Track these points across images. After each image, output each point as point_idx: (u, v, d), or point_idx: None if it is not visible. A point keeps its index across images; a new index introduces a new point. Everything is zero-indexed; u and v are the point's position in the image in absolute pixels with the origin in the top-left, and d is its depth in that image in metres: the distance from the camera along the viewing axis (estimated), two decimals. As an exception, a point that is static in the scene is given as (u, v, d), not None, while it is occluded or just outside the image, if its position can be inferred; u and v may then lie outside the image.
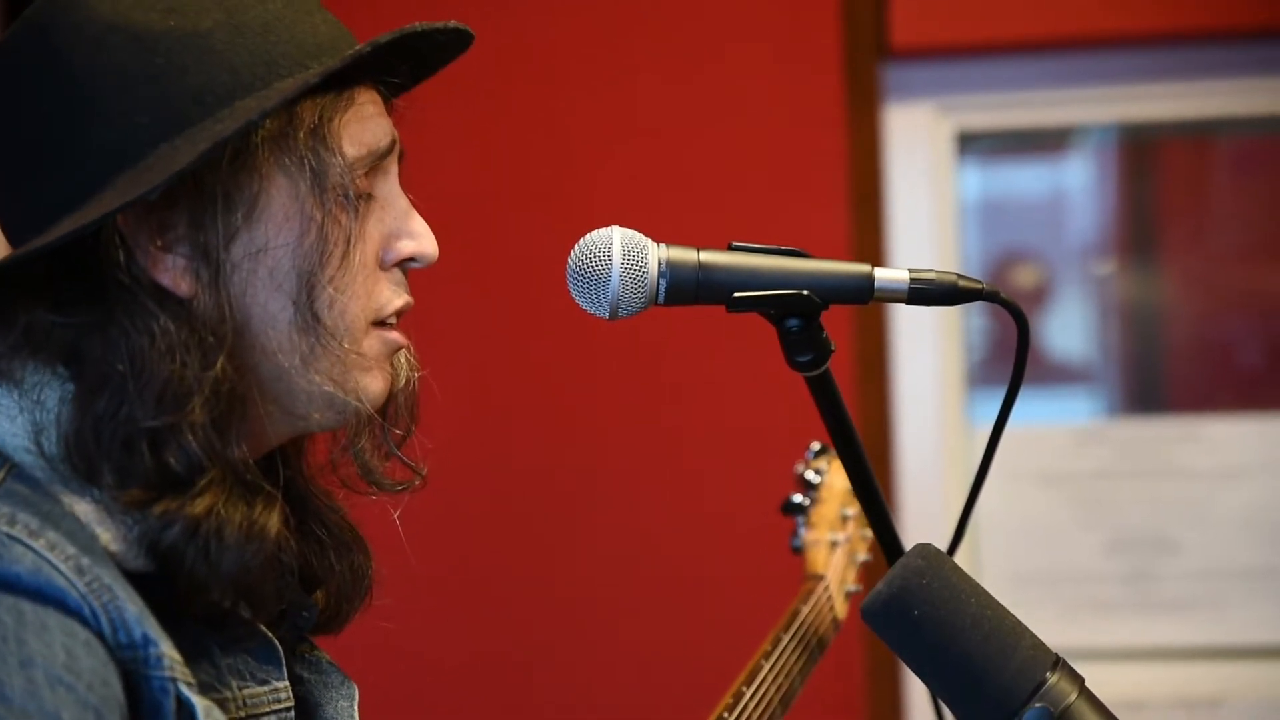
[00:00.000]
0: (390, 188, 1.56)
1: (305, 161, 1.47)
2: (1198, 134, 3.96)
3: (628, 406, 3.62)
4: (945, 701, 1.40)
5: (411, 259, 1.55)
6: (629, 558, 3.58)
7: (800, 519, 2.16)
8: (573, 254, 1.49)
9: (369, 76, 1.55)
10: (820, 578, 2.10)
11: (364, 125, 1.52)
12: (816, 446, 2.23)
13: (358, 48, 1.49)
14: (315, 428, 1.53)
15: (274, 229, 1.46)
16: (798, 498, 2.18)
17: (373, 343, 1.52)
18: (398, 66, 1.57)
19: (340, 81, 1.50)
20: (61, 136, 1.45)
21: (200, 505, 1.40)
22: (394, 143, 1.56)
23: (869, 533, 2.22)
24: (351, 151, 1.50)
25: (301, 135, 1.47)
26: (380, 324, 1.53)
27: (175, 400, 1.41)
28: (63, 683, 1.25)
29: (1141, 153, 4.05)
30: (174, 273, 1.45)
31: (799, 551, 2.15)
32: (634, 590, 3.57)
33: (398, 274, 1.55)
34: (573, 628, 3.60)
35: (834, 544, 2.14)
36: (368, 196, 1.52)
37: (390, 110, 1.59)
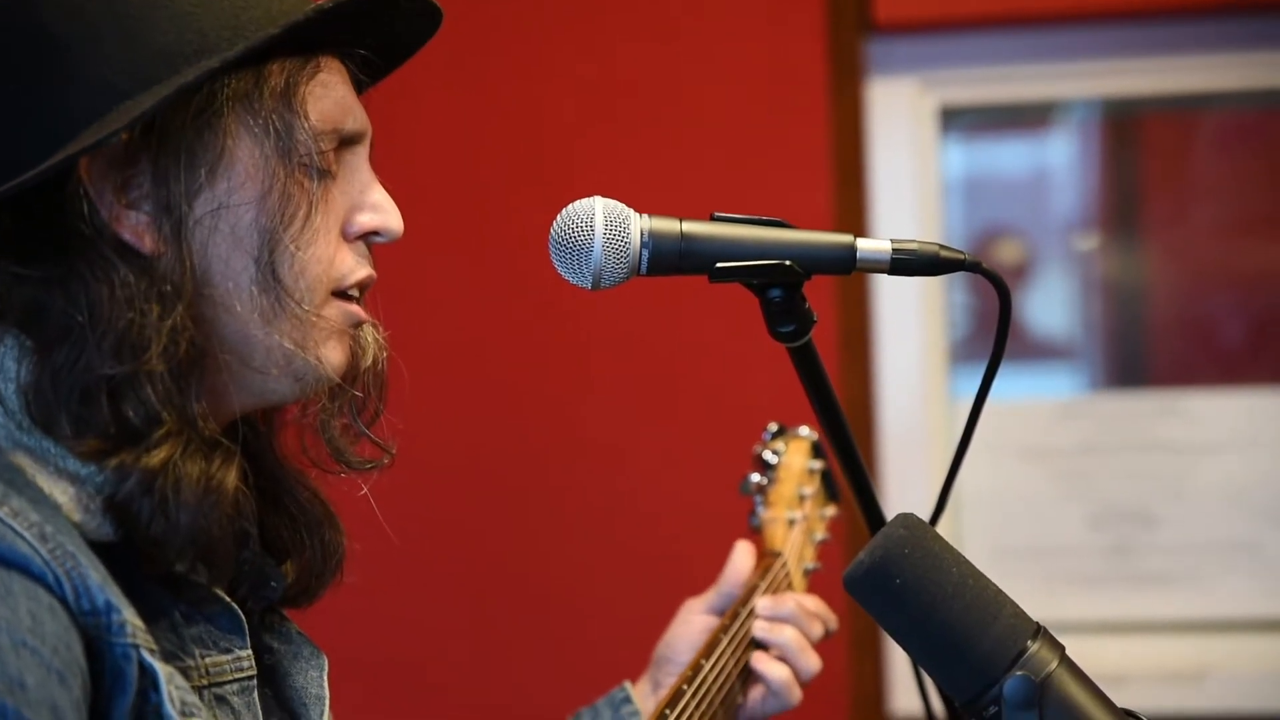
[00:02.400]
0: (357, 162, 1.57)
1: (270, 122, 1.48)
2: (1181, 109, 3.96)
3: (609, 378, 3.62)
4: (926, 670, 1.41)
5: (375, 233, 1.57)
6: (608, 533, 3.59)
7: (758, 498, 2.20)
8: (555, 224, 1.50)
9: (337, 48, 1.56)
10: (778, 554, 2.13)
11: (330, 97, 1.54)
12: (774, 427, 2.27)
13: (322, 4, 1.50)
14: (276, 395, 1.54)
15: (237, 186, 1.47)
16: (755, 477, 2.21)
17: (333, 311, 1.53)
18: (366, 39, 1.59)
19: (307, 48, 1.52)
20: (30, 90, 1.46)
21: (156, 458, 1.41)
22: (364, 131, 1.57)
23: (828, 512, 2.27)
24: (317, 121, 1.51)
25: (267, 96, 1.49)
26: (342, 295, 1.54)
27: (133, 349, 1.42)
28: (27, 646, 1.26)
29: (1125, 128, 4.05)
30: (137, 228, 1.46)
31: (757, 530, 2.18)
32: (611, 565, 3.58)
33: (361, 247, 1.57)
34: (551, 602, 3.61)
35: (791, 522, 2.18)
36: (331, 169, 1.53)
37: (360, 93, 1.60)
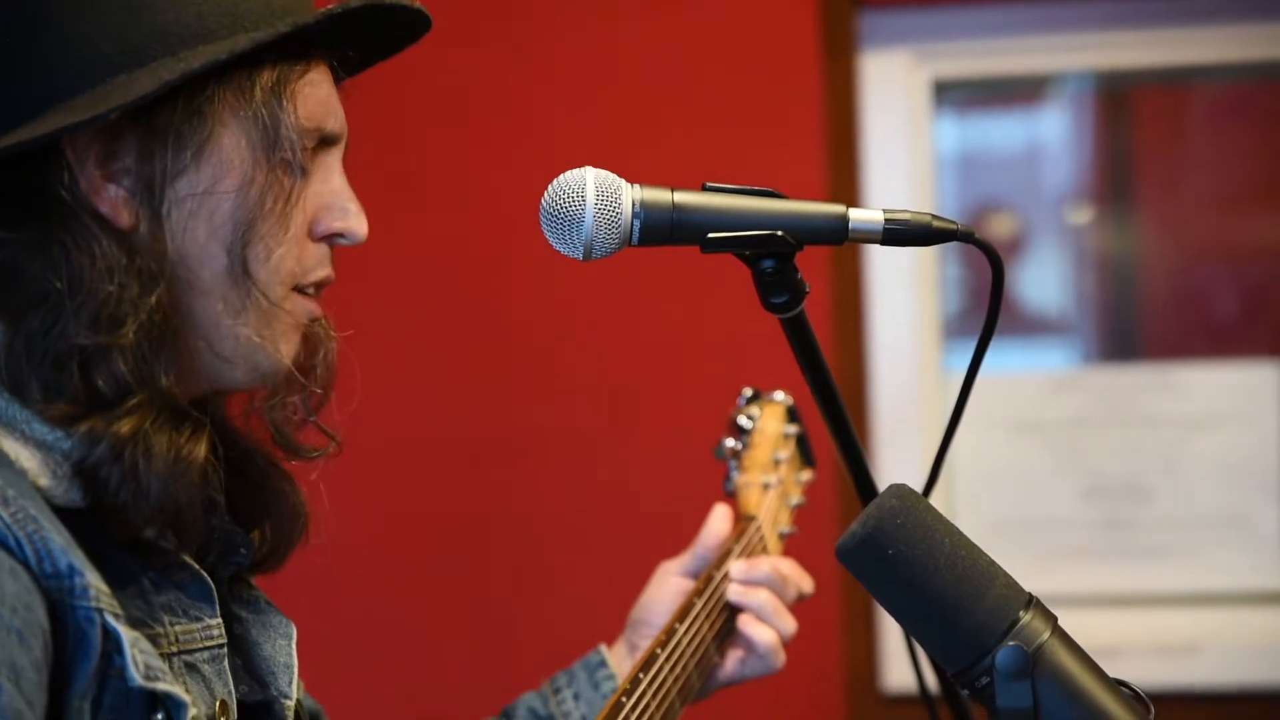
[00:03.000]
0: (331, 163, 1.60)
1: (259, 116, 1.50)
2: (1174, 82, 3.95)
3: (603, 346, 3.61)
4: (919, 640, 1.41)
5: (340, 235, 1.59)
6: (586, 498, 3.59)
7: (733, 463, 2.21)
8: (546, 195, 1.49)
9: (327, 49, 1.58)
10: (752, 518, 2.14)
11: (316, 96, 1.56)
12: (749, 393, 2.28)
13: (329, 9, 1.52)
14: (232, 382, 1.56)
15: (219, 175, 1.49)
16: (730, 442, 2.22)
17: (294, 305, 1.56)
18: (354, 39, 1.61)
19: (301, 50, 1.54)
20: (23, 51, 1.47)
21: (126, 425, 1.42)
22: (342, 132, 1.60)
23: (804, 476, 2.27)
24: (303, 119, 1.54)
25: (259, 89, 1.50)
26: (301, 291, 1.57)
27: (110, 322, 1.43)
28: None
29: (1117, 101, 4.05)
30: (114, 202, 1.48)
31: (731, 495, 2.19)
32: (588, 530, 3.58)
33: (325, 248, 1.59)
34: (528, 565, 3.61)
35: (766, 486, 2.19)
36: (307, 168, 1.55)
37: (340, 90, 1.62)
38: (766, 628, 2.01)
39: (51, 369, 1.43)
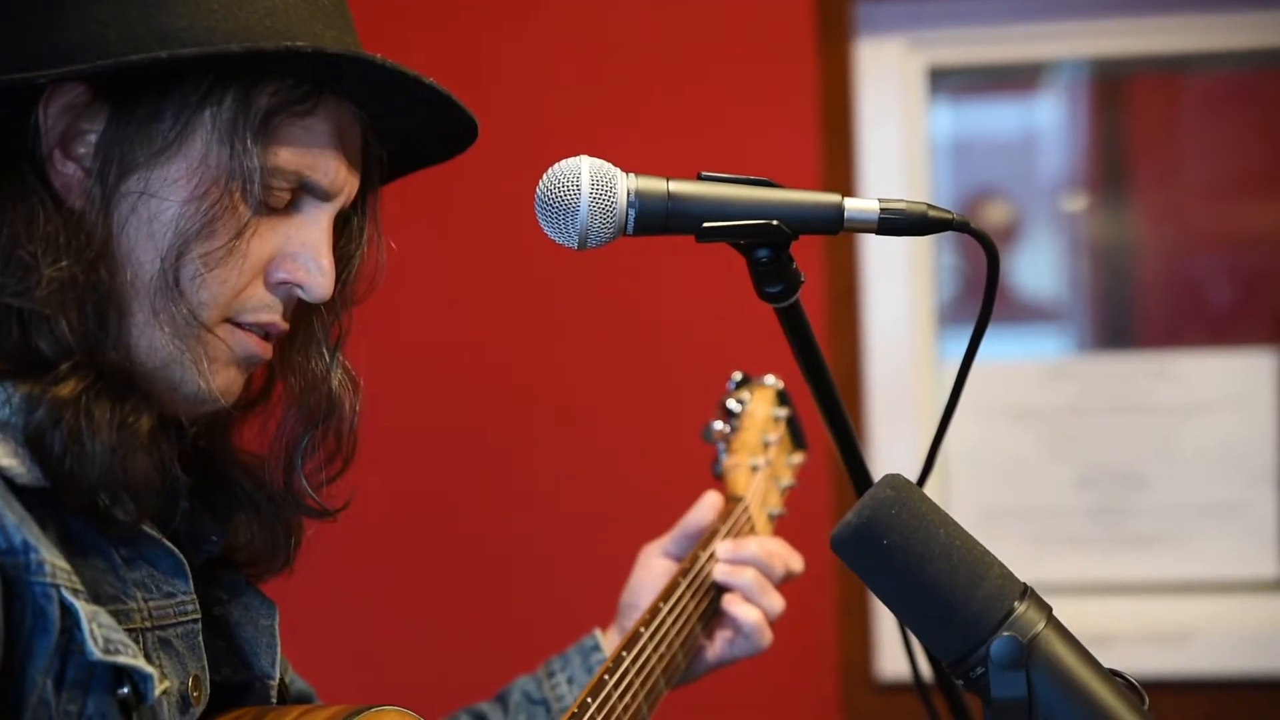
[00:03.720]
0: (317, 215, 1.56)
1: (232, 137, 1.48)
2: (1169, 70, 3.95)
3: (596, 335, 3.61)
4: (913, 631, 1.41)
5: (297, 286, 1.55)
6: (577, 484, 3.59)
7: (721, 445, 2.21)
8: (541, 183, 1.49)
9: (351, 98, 1.55)
10: (739, 499, 2.14)
11: (309, 142, 1.52)
12: (739, 377, 2.29)
13: (322, 45, 1.49)
14: (159, 397, 1.52)
15: (171, 179, 1.47)
16: (718, 425, 2.23)
17: (227, 335, 1.53)
18: (385, 115, 1.59)
19: (310, 92, 1.51)
20: (33, 14, 1.46)
21: (64, 390, 1.41)
22: (334, 190, 1.55)
23: (795, 459, 2.28)
24: (284, 159, 1.51)
25: (244, 113, 1.48)
26: (236, 324, 1.53)
27: (36, 287, 1.42)
28: None
29: (1113, 89, 4.04)
30: (68, 179, 1.47)
31: (720, 477, 2.19)
32: (580, 515, 3.58)
33: (279, 294, 1.55)
34: (520, 552, 3.61)
35: (754, 468, 2.19)
36: (278, 207, 1.52)
37: (361, 173, 1.60)
38: (751, 606, 2.00)
39: None
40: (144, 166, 1.46)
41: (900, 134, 3.73)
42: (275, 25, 1.48)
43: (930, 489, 1.51)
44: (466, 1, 3.58)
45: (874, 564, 1.38)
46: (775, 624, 2.04)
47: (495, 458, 3.62)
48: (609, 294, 3.57)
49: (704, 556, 2.01)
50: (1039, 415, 3.81)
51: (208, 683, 1.54)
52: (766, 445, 2.22)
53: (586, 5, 3.61)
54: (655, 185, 1.49)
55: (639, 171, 1.50)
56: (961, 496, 3.76)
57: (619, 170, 1.49)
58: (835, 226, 1.51)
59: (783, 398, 2.28)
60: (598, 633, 2.08)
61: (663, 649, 1.89)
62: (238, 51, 1.44)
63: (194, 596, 1.53)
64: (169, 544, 1.51)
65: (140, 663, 1.39)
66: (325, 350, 1.65)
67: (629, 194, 1.48)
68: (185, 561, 1.53)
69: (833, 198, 1.50)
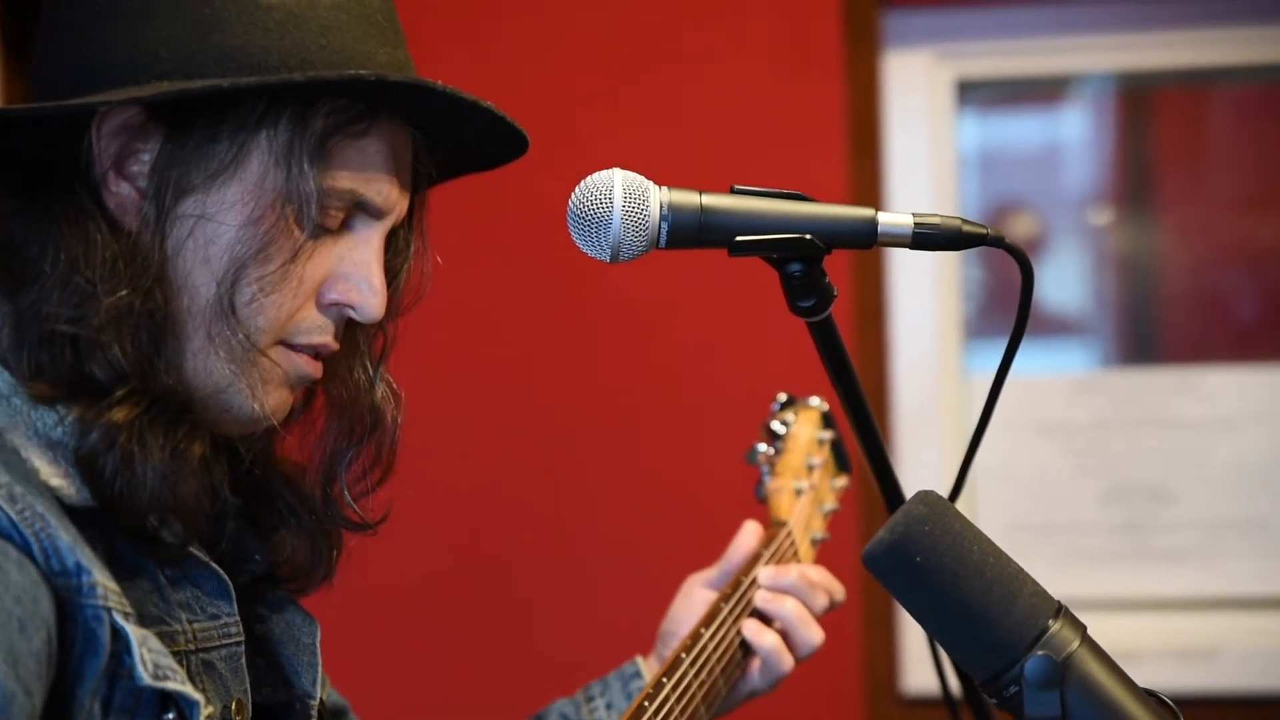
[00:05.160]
0: (369, 235, 1.55)
1: (289, 159, 1.47)
2: (1195, 83, 3.93)
3: (621, 353, 3.60)
4: (946, 648, 1.40)
5: (349, 307, 1.55)
6: (618, 509, 3.59)
7: (765, 468, 2.19)
8: (574, 196, 1.48)
9: (404, 120, 1.55)
10: (783, 524, 2.11)
11: (364, 163, 1.52)
12: (783, 398, 2.26)
13: (382, 73, 1.49)
14: (210, 419, 1.52)
15: (228, 203, 1.46)
16: (762, 447, 2.20)
17: (280, 357, 1.52)
18: (438, 130, 1.59)
19: (366, 112, 1.50)
20: (88, 32, 1.46)
21: (118, 414, 1.41)
22: (386, 209, 1.55)
23: (838, 483, 2.25)
24: (340, 179, 1.50)
25: (301, 136, 1.47)
26: (290, 346, 1.53)
27: (92, 313, 1.42)
28: None
29: (1139, 102, 4.03)
30: (122, 200, 1.47)
31: (763, 500, 2.17)
32: (621, 540, 3.57)
33: (331, 315, 1.55)
34: (561, 577, 3.61)
35: (798, 492, 2.16)
36: (333, 229, 1.52)
37: (413, 189, 1.61)
38: (767, 631, 1.96)
39: (40, 347, 1.42)
40: (200, 189, 1.45)
41: (927, 146, 3.72)
42: (330, 44, 1.48)
43: (958, 504, 1.50)
44: (494, 15, 3.59)
45: (906, 581, 1.37)
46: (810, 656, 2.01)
47: (537, 478, 3.62)
48: (647, 309, 3.57)
49: (746, 582, 1.98)
50: (1065, 430, 3.79)
51: (250, 706, 1.53)
52: (811, 468, 2.19)
53: (613, 18, 3.61)
54: (688, 198, 1.48)
55: (665, 183, 1.49)
56: (988, 511, 3.75)
57: (652, 183, 1.48)
58: (869, 241, 1.50)
59: (827, 420, 2.25)
60: (639, 659, 2.05)
61: (704, 675, 1.86)
62: (301, 81, 1.44)
63: (238, 618, 1.53)
64: (214, 566, 1.51)
65: (188, 689, 1.38)
66: (369, 363, 1.65)
67: (662, 207, 1.47)
68: (230, 583, 1.52)
69: (866, 212, 1.50)
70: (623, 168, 1.48)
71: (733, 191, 1.50)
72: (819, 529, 2.20)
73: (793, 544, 2.11)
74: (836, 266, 1.48)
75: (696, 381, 3.59)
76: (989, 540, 1.37)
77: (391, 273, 1.63)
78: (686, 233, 1.48)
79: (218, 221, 1.46)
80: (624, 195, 1.46)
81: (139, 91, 1.43)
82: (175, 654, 1.43)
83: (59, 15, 1.50)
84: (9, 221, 1.46)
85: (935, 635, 1.43)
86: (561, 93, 3.60)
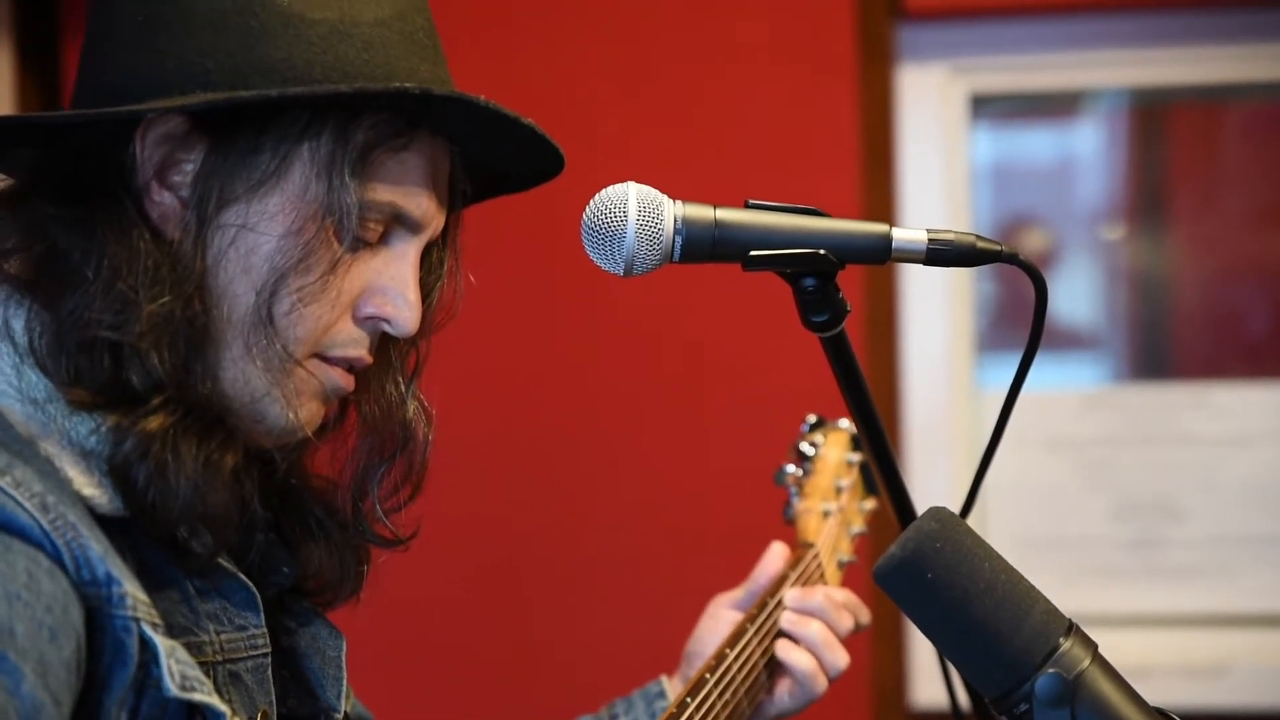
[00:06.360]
0: (405, 249, 1.56)
1: (330, 172, 1.48)
2: (1209, 99, 3.93)
3: (640, 373, 3.61)
4: (957, 665, 1.39)
5: (384, 320, 1.55)
6: (642, 529, 3.59)
7: (793, 490, 2.18)
8: (588, 210, 1.48)
9: (444, 136, 1.56)
10: (810, 545, 2.11)
11: (403, 177, 1.52)
12: (813, 419, 2.25)
13: (426, 85, 1.50)
14: (243, 429, 1.52)
15: (269, 213, 1.47)
16: (791, 468, 2.19)
17: (315, 369, 1.53)
18: (476, 143, 1.59)
19: (407, 126, 1.51)
20: (134, 41, 1.47)
21: (153, 423, 1.41)
22: (424, 223, 1.56)
23: (866, 505, 2.24)
24: (380, 192, 1.51)
25: (342, 148, 1.48)
26: (325, 358, 1.54)
27: (133, 320, 1.42)
28: (20, 599, 1.26)
29: (1152, 117, 4.03)
30: (164, 209, 1.48)
31: (791, 521, 2.17)
32: (645, 560, 3.57)
33: (366, 328, 1.56)
34: (585, 597, 3.60)
35: (826, 513, 2.16)
36: (371, 242, 1.53)
37: (450, 206, 1.61)
38: (803, 653, 1.96)
39: (80, 352, 1.42)
40: (243, 199, 1.46)
41: (941, 160, 3.72)
42: (373, 59, 1.48)
43: (969, 520, 1.50)
44: (508, 25, 3.59)
45: (917, 597, 1.37)
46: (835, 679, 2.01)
47: (551, 493, 3.62)
48: (650, 324, 3.57)
49: (772, 603, 1.98)
50: (1075, 445, 3.79)
51: (275, 717, 1.54)
52: (839, 490, 2.19)
53: (626, 32, 3.62)
54: (702, 213, 1.48)
55: (680, 197, 1.49)
56: (997, 526, 3.74)
57: (666, 197, 1.48)
58: (883, 257, 1.50)
59: (856, 442, 2.24)
60: (664, 679, 2.05)
61: (728, 695, 1.85)
62: (348, 92, 1.45)
63: (265, 630, 1.53)
64: (243, 577, 1.52)
65: (215, 700, 1.39)
66: (401, 379, 1.66)
67: (676, 221, 1.47)
68: (258, 595, 1.53)
69: (880, 228, 1.50)
70: (636, 181, 1.48)
71: (747, 206, 1.50)
72: (846, 551, 2.19)
73: (819, 566, 2.10)
74: (848, 280, 1.48)
75: (711, 396, 3.59)
76: (1000, 557, 1.37)
77: (426, 289, 1.63)
78: (701, 247, 1.48)
79: (259, 232, 1.46)
80: (638, 209, 1.46)
81: (185, 100, 1.43)
82: (202, 665, 1.43)
83: (103, 27, 1.50)
84: (51, 228, 1.46)
85: (946, 652, 1.43)
86: (575, 107, 3.61)
